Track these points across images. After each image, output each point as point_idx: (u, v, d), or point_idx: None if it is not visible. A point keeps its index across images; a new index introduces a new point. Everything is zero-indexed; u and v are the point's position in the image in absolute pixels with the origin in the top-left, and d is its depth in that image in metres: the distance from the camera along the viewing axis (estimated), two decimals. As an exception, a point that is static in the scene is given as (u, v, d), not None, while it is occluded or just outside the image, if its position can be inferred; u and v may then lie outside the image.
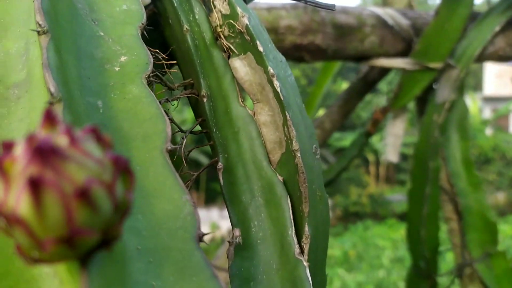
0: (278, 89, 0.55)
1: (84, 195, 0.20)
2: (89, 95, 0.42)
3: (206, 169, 0.60)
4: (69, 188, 0.19)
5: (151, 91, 0.43)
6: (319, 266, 0.57)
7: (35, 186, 0.19)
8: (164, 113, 0.41)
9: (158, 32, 0.62)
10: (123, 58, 0.47)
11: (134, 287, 0.31)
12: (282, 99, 0.55)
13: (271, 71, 0.55)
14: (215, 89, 0.58)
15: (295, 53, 1.41)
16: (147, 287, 0.31)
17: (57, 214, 0.20)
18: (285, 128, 0.55)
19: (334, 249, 6.25)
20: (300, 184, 0.54)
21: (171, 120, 0.53)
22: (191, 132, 0.57)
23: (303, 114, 0.58)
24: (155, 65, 0.54)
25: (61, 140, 0.21)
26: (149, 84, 0.51)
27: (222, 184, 0.55)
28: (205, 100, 0.57)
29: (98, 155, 0.22)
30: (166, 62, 0.53)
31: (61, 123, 0.22)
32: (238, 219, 0.55)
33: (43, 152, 0.19)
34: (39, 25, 0.36)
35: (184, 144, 0.54)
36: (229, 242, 0.53)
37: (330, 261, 5.96)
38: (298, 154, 0.54)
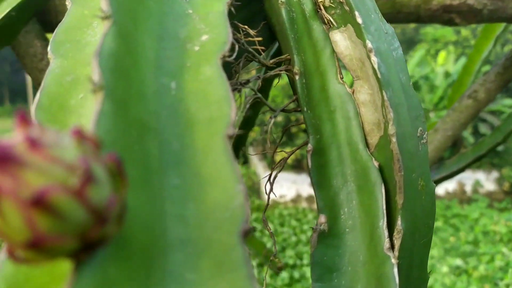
0: (376, 66, 0.49)
1: (39, 202, 0.19)
2: (164, 76, 0.42)
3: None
4: (27, 195, 0.19)
5: (223, 72, 0.42)
6: (416, 264, 0.51)
7: None
8: (231, 96, 0.40)
9: (259, 6, 0.60)
10: (204, 37, 0.46)
11: (167, 278, 0.31)
12: (380, 76, 0.49)
13: (369, 45, 0.50)
14: (312, 64, 0.55)
15: (443, 16, 1.27)
16: (180, 279, 0.31)
17: (18, 221, 0.20)
18: (383, 109, 0.50)
19: (499, 225, 5.73)
20: (395, 172, 0.49)
21: (260, 99, 0.52)
22: (283, 110, 0.54)
23: (407, 93, 0.52)
24: (247, 42, 0.53)
25: (21, 145, 0.21)
26: (233, 64, 0.50)
27: (310, 166, 0.52)
28: (297, 77, 0.54)
29: (69, 159, 0.21)
30: (253, 39, 0.51)
31: (33, 125, 0.22)
32: (326, 204, 0.52)
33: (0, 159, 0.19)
34: (102, 10, 0.37)
35: (272, 123, 0.52)
36: (313, 228, 0.51)
37: (494, 238, 5.49)
38: (394, 139, 0.48)
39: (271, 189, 0.57)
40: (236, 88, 0.50)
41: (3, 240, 0.21)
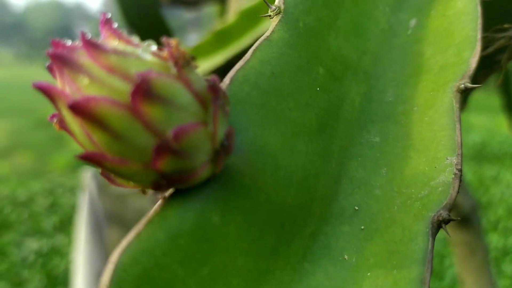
0: None
1: (75, 109, 0.16)
2: (403, 12, 0.34)
3: None
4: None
5: (479, 6, 0.30)
6: None
7: (52, 100, 0.18)
8: (478, 37, 0.29)
9: None
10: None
11: (316, 252, 0.25)
12: None
13: None
14: None
15: None
16: (336, 257, 0.25)
17: (79, 131, 0.18)
18: None
19: None
20: None
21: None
22: None
23: None
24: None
25: (82, 50, 0.18)
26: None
27: None
28: None
29: (133, 72, 0.17)
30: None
31: (120, 34, 0.19)
32: None
33: (58, 62, 0.17)
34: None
35: None
36: None
37: None
38: None
39: None
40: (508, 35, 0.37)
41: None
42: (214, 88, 0.19)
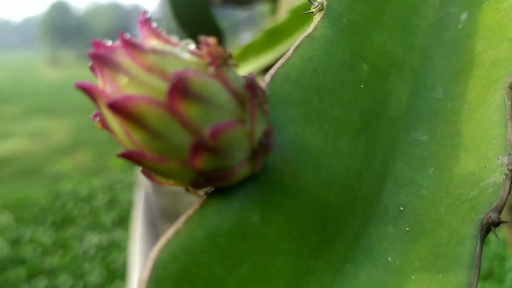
0: None
1: (115, 108, 0.17)
2: (453, 5, 0.33)
3: None
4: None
5: (535, -4, 0.29)
6: None
7: (93, 99, 0.18)
8: (535, 29, 0.27)
9: None
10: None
11: (358, 253, 0.24)
12: None
13: None
14: None
15: None
16: (379, 260, 0.24)
17: (119, 130, 0.19)
18: None
19: None
20: None
21: None
22: None
23: None
24: None
25: (122, 50, 0.18)
26: None
27: None
28: None
29: (171, 71, 0.18)
30: None
31: (159, 33, 0.19)
32: None
33: (99, 62, 0.18)
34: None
35: None
36: None
37: None
38: None
39: None
40: None
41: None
42: (251, 86, 0.19)
